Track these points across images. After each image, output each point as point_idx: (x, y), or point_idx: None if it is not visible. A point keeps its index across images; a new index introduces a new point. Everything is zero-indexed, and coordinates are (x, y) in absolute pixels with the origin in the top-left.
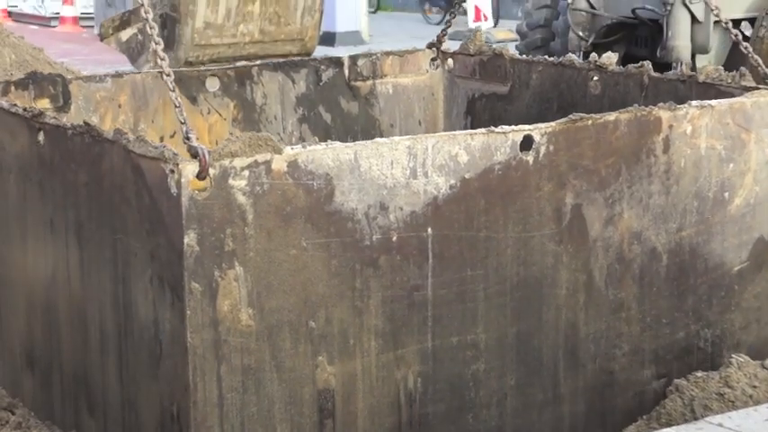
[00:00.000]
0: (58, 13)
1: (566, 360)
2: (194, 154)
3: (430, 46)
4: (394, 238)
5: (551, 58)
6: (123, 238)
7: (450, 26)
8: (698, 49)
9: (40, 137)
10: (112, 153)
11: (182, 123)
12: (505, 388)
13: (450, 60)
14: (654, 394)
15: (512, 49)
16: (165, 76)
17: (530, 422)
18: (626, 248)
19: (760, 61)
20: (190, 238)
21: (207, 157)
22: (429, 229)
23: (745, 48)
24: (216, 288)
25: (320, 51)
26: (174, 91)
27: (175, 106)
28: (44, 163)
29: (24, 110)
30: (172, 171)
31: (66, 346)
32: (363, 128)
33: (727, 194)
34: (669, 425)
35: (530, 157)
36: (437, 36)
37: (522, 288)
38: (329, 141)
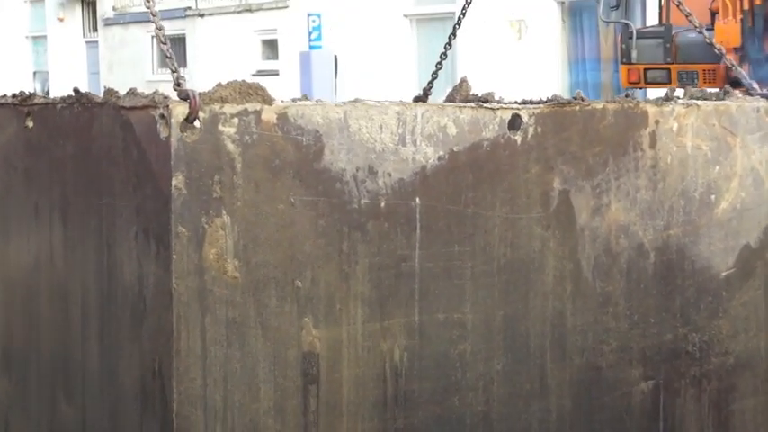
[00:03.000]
0: None
1: (553, 350)
2: (184, 97)
3: (416, 99)
4: (382, 204)
5: None
6: (109, 202)
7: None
8: None
9: (29, 122)
10: (102, 116)
11: (173, 71)
12: (492, 373)
13: None
14: (641, 396)
15: None
16: (156, 30)
17: (516, 412)
18: (613, 241)
19: (744, 73)
20: (178, 181)
21: (197, 99)
22: (417, 199)
23: (730, 61)
24: (202, 235)
25: None
26: (165, 44)
27: (167, 56)
28: (31, 147)
29: (13, 96)
30: (162, 116)
31: (45, 335)
32: None
33: (713, 197)
34: None
35: (518, 137)
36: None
37: (509, 270)
38: (320, 99)
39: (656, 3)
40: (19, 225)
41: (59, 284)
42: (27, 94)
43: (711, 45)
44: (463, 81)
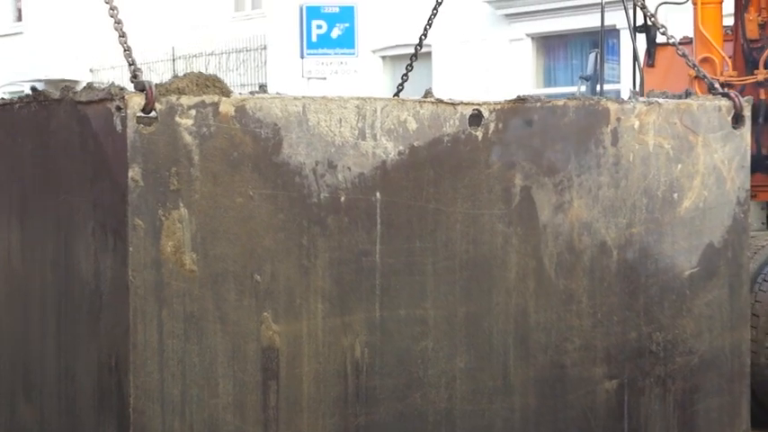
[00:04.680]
0: None
1: (516, 348)
2: (141, 88)
3: None
4: (342, 199)
5: None
6: (67, 198)
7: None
8: None
9: None
10: (59, 112)
11: (130, 64)
12: (455, 370)
13: None
14: (606, 394)
15: None
16: (115, 24)
17: (480, 409)
18: (576, 238)
19: (707, 75)
20: (134, 172)
21: (153, 90)
22: (377, 194)
23: (693, 64)
24: (159, 227)
25: None
26: (123, 36)
27: (124, 49)
28: None
29: None
30: (118, 108)
31: (4, 334)
32: None
33: (676, 195)
34: None
35: (479, 133)
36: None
37: (472, 267)
38: (278, 92)
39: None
40: None
41: (17, 284)
42: None
43: (685, 57)
44: (428, 92)
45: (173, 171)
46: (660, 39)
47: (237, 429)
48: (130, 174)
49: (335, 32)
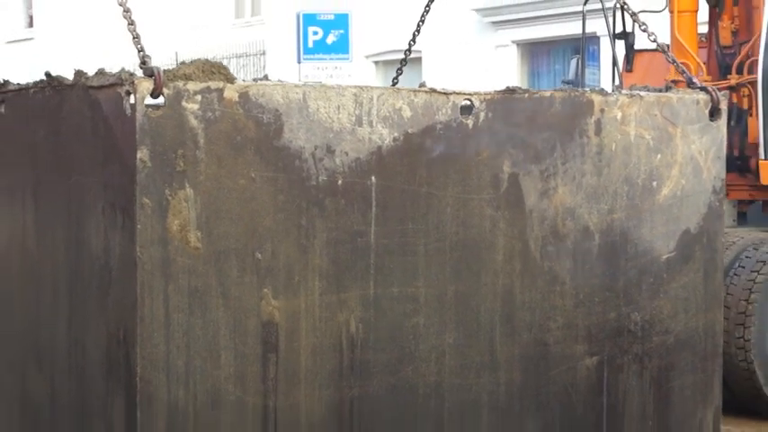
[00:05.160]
0: None
1: (502, 326)
2: (150, 74)
3: None
4: (339, 182)
5: None
6: (79, 180)
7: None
8: None
9: (2, 108)
10: (72, 97)
11: (139, 51)
12: (444, 345)
13: None
14: (586, 371)
15: None
16: (123, 13)
17: (467, 383)
18: (560, 223)
19: (685, 69)
20: (142, 153)
21: (162, 76)
22: (373, 178)
23: (672, 60)
24: (166, 206)
25: None
26: (132, 24)
27: (133, 36)
28: (4, 132)
29: None
30: (128, 92)
31: (18, 310)
32: None
33: (655, 183)
34: None
35: (470, 121)
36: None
37: (461, 248)
38: (280, 79)
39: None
40: None
41: (31, 261)
42: (1, 81)
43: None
44: (422, 85)
45: (179, 153)
46: (638, 45)
47: (238, 399)
48: (139, 155)
49: (330, 39)
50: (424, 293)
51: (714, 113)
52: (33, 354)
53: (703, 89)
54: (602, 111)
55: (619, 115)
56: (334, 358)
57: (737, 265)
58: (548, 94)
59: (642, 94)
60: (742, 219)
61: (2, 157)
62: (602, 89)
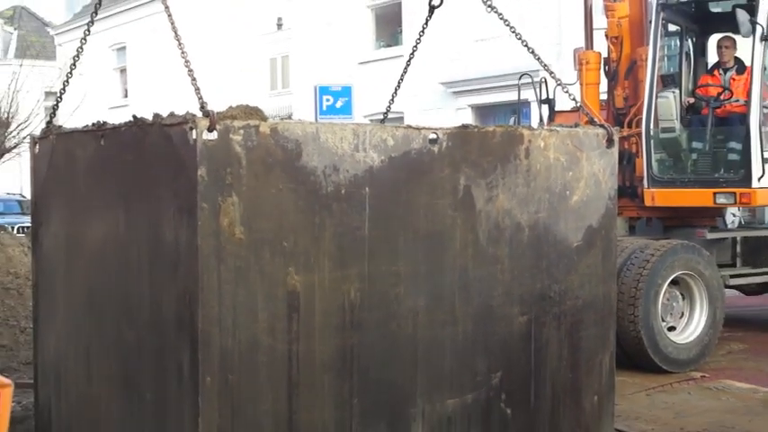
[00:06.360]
0: None
1: (460, 293)
2: (207, 114)
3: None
4: (342, 191)
5: None
6: (156, 191)
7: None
8: None
9: (102, 141)
10: (152, 132)
11: (200, 99)
12: (418, 307)
13: None
14: (519, 326)
15: None
16: (185, 62)
17: (435, 335)
18: (501, 220)
19: (590, 113)
20: (202, 171)
21: (215, 116)
22: (366, 189)
23: (580, 105)
24: (218, 209)
25: None
26: (194, 80)
27: (195, 88)
28: (104, 159)
29: (93, 124)
30: (191, 128)
31: (115, 284)
32: None
33: (568, 192)
34: None
35: (435, 148)
36: None
37: (430, 238)
38: (300, 119)
39: None
40: (97, 213)
41: (124, 249)
42: (101, 122)
43: (569, 93)
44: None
45: (228, 171)
46: (557, 107)
47: (270, 345)
48: (199, 172)
49: (339, 103)
50: (404, 270)
51: (609, 143)
52: (125, 314)
53: (601, 126)
54: (529, 141)
55: (542, 144)
56: (338, 317)
57: (629, 263)
58: (491, 129)
59: (558, 129)
60: (632, 230)
61: (102, 175)
62: (530, 126)
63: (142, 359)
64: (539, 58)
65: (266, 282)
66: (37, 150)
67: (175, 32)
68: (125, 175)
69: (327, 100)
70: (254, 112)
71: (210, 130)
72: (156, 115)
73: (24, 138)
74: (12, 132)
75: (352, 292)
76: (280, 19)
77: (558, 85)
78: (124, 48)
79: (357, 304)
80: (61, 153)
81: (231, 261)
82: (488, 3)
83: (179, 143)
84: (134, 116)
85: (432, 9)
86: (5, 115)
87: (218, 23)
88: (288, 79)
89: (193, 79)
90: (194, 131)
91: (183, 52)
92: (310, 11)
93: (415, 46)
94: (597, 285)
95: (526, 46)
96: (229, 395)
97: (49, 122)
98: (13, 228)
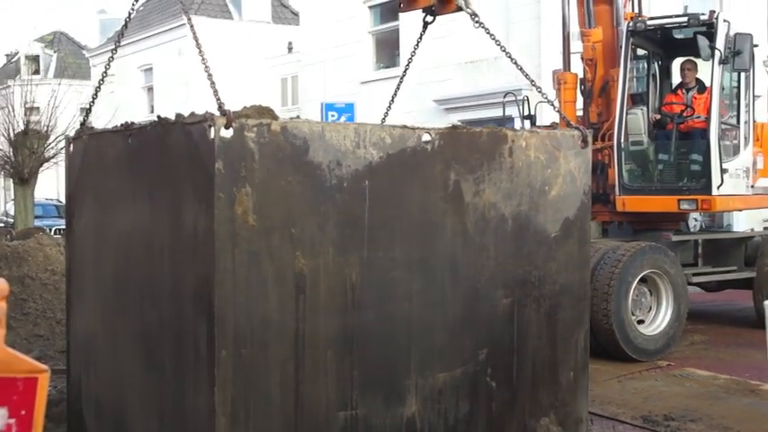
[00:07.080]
0: None
1: (449, 278)
2: (224, 113)
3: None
4: (345, 184)
5: None
6: (178, 183)
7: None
8: None
9: (129, 140)
10: (174, 130)
11: (217, 99)
12: (412, 290)
13: None
14: (503, 307)
15: None
16: (204, 68)
17: (428, 315)
18: (487, 212)
19: (568, 117)
20: (219, 164)
21: (231, 115)
22: (366, 182)
23: (558, 111)
24: (233, 198)
25: None
26: (213, 84)
27: (214, 91)
28: (132, 155)
29: (121, 125)
30: (210, 125)
31: (138, 267)
32: None
33: (547, 188)
34: None
35: (428, 146)
36: None
37: (423, 227)
38: (307, 118)
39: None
40: (124, 204)
41: (148, 235)
42: (129, 122)
43: (550, 101)
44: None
45: (242, 164)
46: (538, 122)
47: (279, 323)
48: (217, 165)
49: (342, 119)
50: (400, 256)
51: (584, 143)
52: (148, 293)
53: (577, 128)
54: (513, 141)
55: (524, 144)
56: (341, 298)
57: (602, 262)
58: (478, 130)
59: (538, 130)
60: (605, 233)
61: (129, 170)
62: (513, 128)
63: (163, 336)
64: (521, 69)
65: (276, 265)
66: (71, 149)
67: (196, 40)
68: (149, 169)
69: (332, 115)
70: (266, 112)
71: (227, 127)
72: (179, 115)
73: (61, 149)
74: (50, 144)
75: (354, 275)
76: (290, 43)
77: (539, 92)
78: (151, 68)
79: (357, 286)
80: (93, 151)
81: (245, 246)
82: (476, 19)
83: (198, 140)
84: (158, 116)
85: (425, 25)
86: (45, 129)
87: (235, 47)
88: (297, 97)
89: (212, 82)
90: (212, 129)
91: (203, 59)
92: (317, 36)
93: (411, 58)
94: (573, 271)
95: (511, 60)
96: (242, 368)
97: (83, 124)
98: (50, 229)
